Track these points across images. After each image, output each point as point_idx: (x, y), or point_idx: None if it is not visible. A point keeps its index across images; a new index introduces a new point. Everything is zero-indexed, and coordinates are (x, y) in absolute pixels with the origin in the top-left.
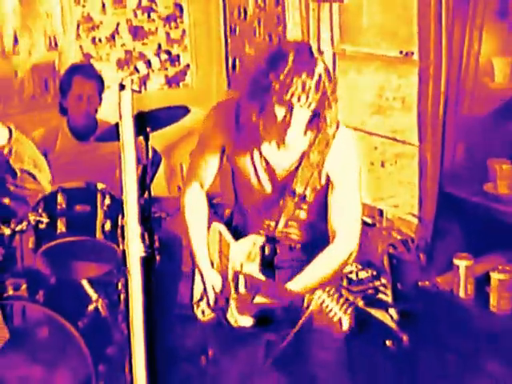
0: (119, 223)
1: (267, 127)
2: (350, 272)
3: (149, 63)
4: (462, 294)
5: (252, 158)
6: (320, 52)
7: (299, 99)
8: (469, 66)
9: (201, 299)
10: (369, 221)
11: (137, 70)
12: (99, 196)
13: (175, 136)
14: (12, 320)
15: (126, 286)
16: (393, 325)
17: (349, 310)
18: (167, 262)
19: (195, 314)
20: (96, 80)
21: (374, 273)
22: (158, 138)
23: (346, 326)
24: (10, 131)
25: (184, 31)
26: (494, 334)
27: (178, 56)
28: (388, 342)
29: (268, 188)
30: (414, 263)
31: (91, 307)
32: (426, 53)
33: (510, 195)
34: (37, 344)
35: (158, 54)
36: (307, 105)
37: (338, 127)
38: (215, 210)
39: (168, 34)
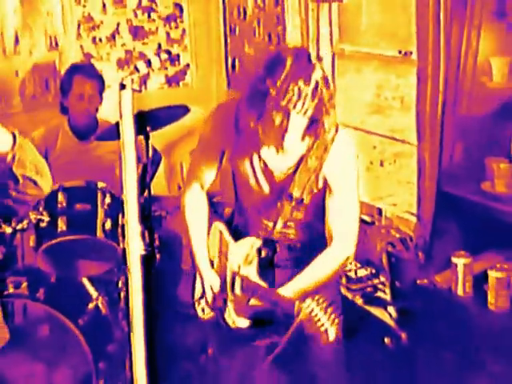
0: (119, 222)
1: (266, 132)
2: (349, 270)
3: (149, 63)
4: (460, 291)
5: (251, 161)
6: (319, 58)
7: (295, 106)
8: (467, 65)
9: (201, 297)
10: (368, 219)
11: (137, 69)
12: (99, 195)
13: (175, 135)
14: (13, 318)
15: (126, 284)
16: (391, 323)
17: (336, 321)
18: (167, 260)
19: (196, 311)
20: (96, 79)
21: (373, 271)
22: (158, 137)
23: (332, 336)
24: (14, 137)
25: (184, 31)
26: (492, 331)
27: (178, 56)
28: (387, 340)
29: (266, 189)
30: (412, 261)
31: (91, 305)
32: (424, 53)
33: (507, 194)
34: (37, 342)
35: (158, 54)
36: (303, 112)
37: (337, 132)
38: (215, 209)
39: (168, 34)
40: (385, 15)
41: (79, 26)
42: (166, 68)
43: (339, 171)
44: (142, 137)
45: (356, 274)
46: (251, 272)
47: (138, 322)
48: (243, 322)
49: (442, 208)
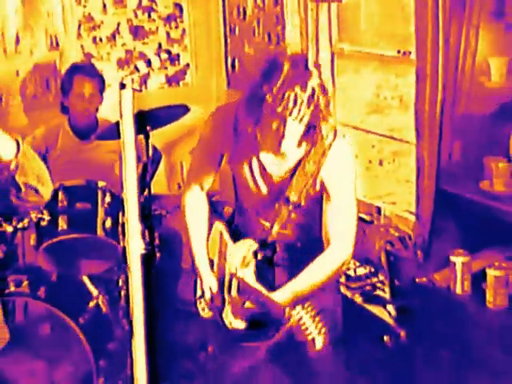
0: (120, 220)
1: (263, 137)
2: (348, 269)
3: (149, 62)
4: (458, 290)
5: (250, 164)
6: (317, 65)
7: (291, 113)
8: (465, 65)
9: (202, 296)
10: (367, 218)
11: (137, 69)
12: (100, 194)
13: (175, 134)
14: (14, 316)
15: (126, 282)
16: (390, 321)
17: (323, 330)
18: (167, 258)
19: (197, 309)
20: (97, 79)
21: (372, 269)
22: (159, 137)
23: (318, 345)
24: (18, 144)
25: (184, 31)
26: (491, 329)
27: (178, 55)
28: (386, 338)
29: (264, 191)
30: (411, 260)
31: (92, 303)
32: (423, 52)
33: (505, 193)
34: (38, 340)
35: (158, 54)
36: (299, 118)
37: (335, 136)
38: (215, 208)
39: (168, 34)
40: (384, 15)
41: (80, 25)
42: (166, 68)
43: (337, 176)
44: (142, 136)
45: (355, 272)
46: (247, 275)
47: (138, 320)
48: (239, 324)
49: (440, 207)
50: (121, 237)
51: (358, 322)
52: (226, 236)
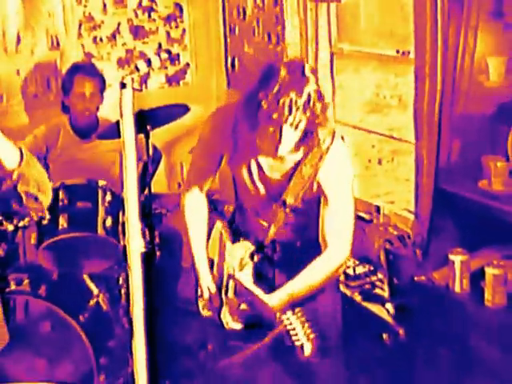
0: (120, 219)
1: (261, 141)
2: (348, 267)
3: (149, 62)
4: (457, 288)
5: (248, 166)
6: (313, 71)
7: (286, 120)
8: (464, 65)
9: (202, 295)
10: (366, 217)
11: (137, 68)
12: (100, 193)
13: (175, 134)
14: (15, 315)
15: (126, 280)
16: (389, 319)
17: (311, 336)
18: (167, 257)
19: (198, 308)
20: (97, 79)
21: (371, 268)
22: (159, 136)
23: (307, 352)
24: (21, 153)
25: (184, 31)
26: (489, 328)
27: (178, 55)
28: (385, 336)
29: (263, 192)
30: (410, 258)
31: (93, 302)
32: (422, 52)
33: (504, 192)
34: (39, 338)
35: (158, 53)
36: (295, 125)
37: (333, 140)
38: (215, 206)
39: (168, 34)
40: (383, 15)
41: (80, 25)
42: (166, 67)
43: (334, 179)
44: (142, 135)
45: (354, 271)
46: (244, 277)
47: (138, 318)
48: (235, 325)
49: (439, 206)
50: (121, 235)
51: (357, 320)
52: (226, 236)
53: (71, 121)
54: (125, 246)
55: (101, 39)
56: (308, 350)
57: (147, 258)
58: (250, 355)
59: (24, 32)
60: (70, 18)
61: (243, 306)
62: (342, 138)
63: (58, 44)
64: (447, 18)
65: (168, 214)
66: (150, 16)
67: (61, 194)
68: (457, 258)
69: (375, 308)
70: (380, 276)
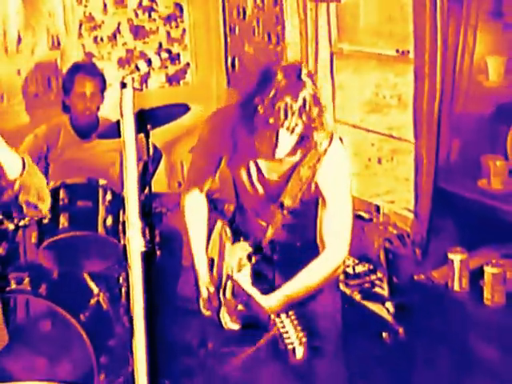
0: (120, 218)
1: (259, 144)
2: (347, 266)
3: (149, 62)
4: (456, 287)
5: (247, 168)
6: (310, 74)
7: (282, 124)
8: (463, 64)
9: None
10: (365, 216)
11: (138, 68)
12: (101, 192)
13: (176, 133)
14: (15, 313)
15: (127, 279)
16: (389, 318)
17: (303, 339)
18: (168, 256)
19: (198, 306)
20: (98, 78)
21: (371, 267)
22: (159, 135)
23: (299, 355)
24: (23, 162)
25: (184, 30)
26: (488, 326)
27: (179, 55)
28: (384, 334)
29: (262, 193)
30: (409, 257)
31: (93, 301)
32: (421, 52)
33: (503, 191)
34: (40, 337)
35: (158, 53)
36: (291, 129)
37: (330, 142)
38: (215, 205)
39: (168, 33)
40: (382, 15)
41: (81, 25)
42: (167, 67)
43: (332, 181)
44: (142, 135)
45: (354, 269)
46: (242, 277)
47: (138, 317)
48: (233, 325)
49: (438, 205)
50: (121, 235)
51: (357, 319)
52: (226, 236)
53: (72, 120)
54: (125, 245)
55: (101, 39)
56: (300, 353)
57: (147, 257)
58: (248, 357)
59: (24, 32)
60: (71, 18)
61: (240, 307)
62: (341, 139)
63: (58, 44)
64: (447, 18)
65: (168, 213)
66: (150, 16)
67: (61, 194)
68: (456, 257)
69: (375, 307)
70: (380, 275)
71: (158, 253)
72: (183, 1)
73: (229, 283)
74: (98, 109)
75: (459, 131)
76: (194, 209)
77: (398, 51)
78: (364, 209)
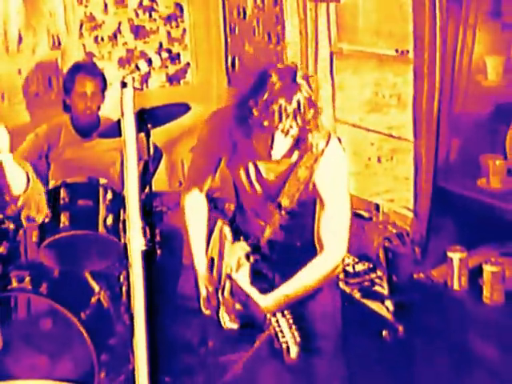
0: (121, 217)
1: (256, 145)
2: (347, 265)
3: (150, 61)
4: (455, 285)
5: (246, 169)
6: (305, 77)
7: (277, 127)
8: (462, 64)
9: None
10: (365, 215)
11: (138, 68)
12: (101, 191)
13: (176, 132)
14: (16, 312)
15: (127, 278)
16: (389, 316)
17: (297, 339)
18: (168, 255)
19: (199, 305)
20: (99, 78)
21: (371, 265)
22: (160, 134)
23: (293, 354)
24: (28, 178)
25: (184, 30)
26: (487, 325)
27: (179, 54)
28: (384, 333)
29: (261, 194)
30: (409, 256)
31: (94, 299)
32: (420, 51)
33: (502, 190)
34: (41, 335)
35: (159, 53)
36: (286, 131)
37: (328, 142)
38: (215, 204)
39: (169, 33)
40: (382, 15)
41: (81, 25)
42: (167, 66)
43: (329, 181)
44: (143, 134)
45: (354, 268)
46: (240, 277)
47: (139, 315)
48: (232, 324)
49: (438, 204)
50: (122, 233)
51: (357, 318)
52: (226, 236)
53: (72, 120)
54: (126, 244)
55: (102, 39)
56: (294, 352)
57: (148, 256)
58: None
59: (25, 31)
60: (71, 18)
61: (237, 306)
62: (339, 139)
63: (59, 43)
64: (446, 18)
65: (169, 212)
66: (150, 16)
67: (62, 193)
68: (455, 256)
69: (374, 305)
70: (379, 273)
71: (159, 251)
72: (183, 1)
73: (227, 282)
74: (98, 108)
75: (458, 130)
76: (194, 208)
77: (397, 51)
78: (364, 208)
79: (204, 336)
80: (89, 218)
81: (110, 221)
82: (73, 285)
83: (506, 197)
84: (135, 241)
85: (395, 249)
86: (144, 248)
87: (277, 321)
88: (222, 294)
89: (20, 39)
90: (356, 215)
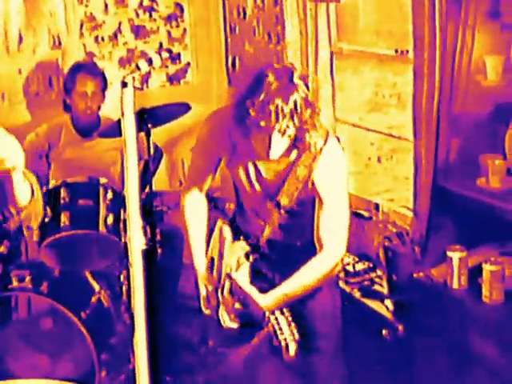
0: (121, 217)
1: (255, 145)
2: (347, 264)
3: (150, 61)
4: (455, 285)
5: (246, 169)
6: (302, 77)
7: (274, 127)
8: (462, 64)
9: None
10: (365, 214)
11: (138, 67)
12: (102, 190)
13: (176, 132)
14: (17, 311)
15: (128, 277)
16: (388, 315)
17: (296, 336)
18: (168, 254)
19: (199, 304)
20: (99, 78)
21: (370, 265)
22: (160, 134)
23: (291, 352)
24: (32, 190)
25: (185, 30)
26: (487, 323)
27: (179, 54)
28: (384, 332)
29: (260, 193)
30: (408, 255)
31: (94, 298)
32: (420, 51)
33: (501, 189)
34: (41, 334)
35: (159, 53)
36: (283, 132)
37: (326, 141)
38: (215, 204)
39: (169, 33)
40: (381, 15)
41: (82, 25)
42: (167, 66)
43: (328, 180)
44: (143, 134)
45: (354, 267)
46: (240, 276)
47: (139, 314)
48: (232, 323)
49: (437, 203)
50: (122, 233)
51: (357, 317)
52: (226, 235)
53: (73, 119)
54: (126, 244)
55: (102, 39)
56: (292, 350)
57: (148, 255)
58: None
59: (26, 31)
60: (72, 18)
61: (237, 306)
62: (338, 138)
63: (59, 43)
64: (445, 18)
65: (169, 212)
66: (150, 16)
67: (62, 192)
68: (455, 255)
69: (374, 304)
70: (379, 273)
71: (159, 251)
72: (184, 1)
73: (227, 282)
74: (99, 108)
75: (458, 130)
76: (194, 208)
77: (397, 51)
78: (364, 207)
79: (204, 335)
80: (89, 217)
81: (110, 220)
82: (73, 284)
83: (505, 196)
84: (135, 240)
85: (395, 248)
86: (144, 247)
87: (275, 318)
88: (222, 293)
89: (20, 39)
90: (356, 215)
